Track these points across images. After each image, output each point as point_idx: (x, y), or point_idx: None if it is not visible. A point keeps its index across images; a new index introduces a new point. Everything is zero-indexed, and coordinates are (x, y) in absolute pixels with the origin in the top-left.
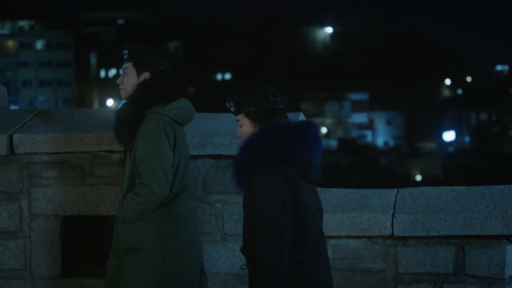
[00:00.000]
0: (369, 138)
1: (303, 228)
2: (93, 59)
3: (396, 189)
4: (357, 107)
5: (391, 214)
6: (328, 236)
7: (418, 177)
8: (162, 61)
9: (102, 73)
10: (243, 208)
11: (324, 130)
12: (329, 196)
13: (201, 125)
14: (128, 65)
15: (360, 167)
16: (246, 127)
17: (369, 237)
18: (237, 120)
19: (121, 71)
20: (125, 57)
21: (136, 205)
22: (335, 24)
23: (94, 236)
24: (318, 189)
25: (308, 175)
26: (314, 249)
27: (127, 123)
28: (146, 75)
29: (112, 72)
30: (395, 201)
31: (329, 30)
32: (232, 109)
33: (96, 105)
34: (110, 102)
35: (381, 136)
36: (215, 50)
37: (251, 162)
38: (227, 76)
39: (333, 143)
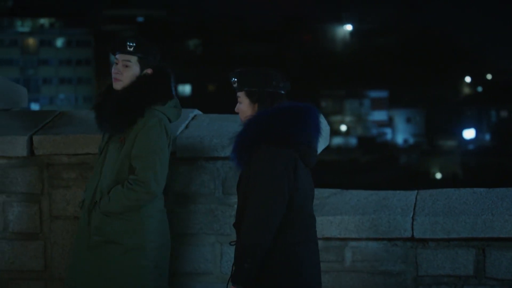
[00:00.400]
0: (388, 136)
1: (297, 210)
2: (112, 57)
3: (416, 191)
4: (377, 104)
5: (411, 216)
6: (348, 238)
7: (438, 175)
8: (161, 59)
9: None
10: (237, 188)
11: (343, 127)
12: (348, 198)
13: (220, 127)
14: (132, 59)
15: (379, 165)
16: (244, 105)
17: (389, 239)
18: (238, 97)
19: (113, 59)
20: (131, 49)
21: (129, 200)
22: (355, 21)
23: None
24: (337, 191)
25: (307, 159)
26: (305, 232)
27: (127, 114)
28: (148, 71)
29: None
30: (415, 203)
31: (348, 27)
32: (235, 85)
33: None
34: None
35: (401, 133)
36: (235, 47)
37: (254, 140)
38: None
39: (353, 141)
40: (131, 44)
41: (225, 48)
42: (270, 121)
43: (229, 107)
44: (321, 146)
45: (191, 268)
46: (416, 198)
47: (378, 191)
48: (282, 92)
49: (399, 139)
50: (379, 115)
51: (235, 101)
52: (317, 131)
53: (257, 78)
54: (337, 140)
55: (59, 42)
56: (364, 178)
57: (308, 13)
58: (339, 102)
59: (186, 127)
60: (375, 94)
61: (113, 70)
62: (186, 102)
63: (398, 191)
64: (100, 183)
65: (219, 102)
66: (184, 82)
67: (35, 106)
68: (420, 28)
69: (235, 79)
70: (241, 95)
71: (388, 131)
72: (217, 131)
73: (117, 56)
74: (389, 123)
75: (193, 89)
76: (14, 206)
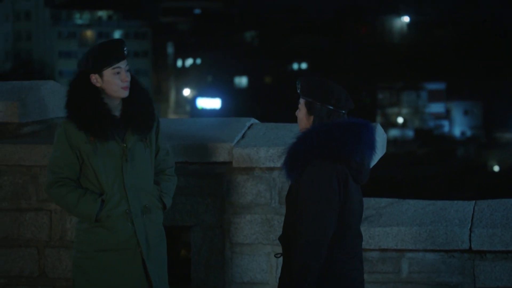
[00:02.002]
0: (446, 128)
1: (345, 228)
2: (170, 49)
3: (473, 201)
4: (434, 96)
5: (468, 227)
6: (404, 249)
7: (496, 168)
8: None
9: (179, 63)
10: (286, 198)
11: (400, 120)
12: (405, 208)
13: (277, 136)
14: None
15: (436, 157)
16: (301, 114)
17: (446, 251)
18: (299, 102)
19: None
20: (126, 54)
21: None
22: (412, 13)
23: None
24: (394, 200)
25: (359, 176)
26: (351, 250)
27: (154, 117)
28: None
29: (189, 61)
30: (472, 214)
31: (406, 19)
32: (298, 90)
33: (173, 94)
34: (186, 92)
35: (458, 126)
36: (292, 39)
37: (307, 154)
38: (303, 66)
39: (410, 133)
40: (125, 48)
41: (281, 40)
42: (324, 137)
43: (284, 99)
44: (377, 156)
45: (247, 278)
46: (473, 209)
47: (435, 201)
48: (343, 111)
49: (457, 131)
50: (437, 107)
51: (290, 93)
52: (371, 148)
53: (320, 91)
54: (394, 132)
55: (117, 34)
56: (421, 170)
57: (365, 5)
58: (396, 94)
59: (243, 136)
60: (432, 86)
61: (118, 78)
62: (242, 94)
63: (455, 201)
64: (139, 186)
65: (276, 93)
66: (240, 74)
67: None
68: (478, 19)
69: (299, 85)
70: (301, 103)
71: (445, 123)
72: (273, 141)
73: (119, 64)
74: (447, 115)
75: (249, 81)
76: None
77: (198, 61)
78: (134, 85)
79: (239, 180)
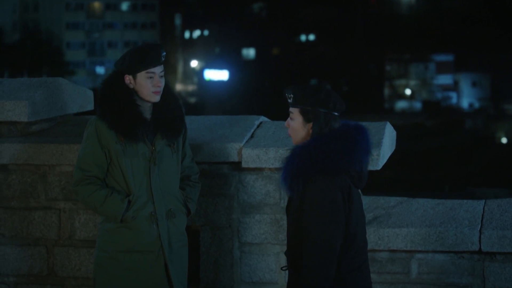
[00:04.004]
0: (454, 100)
1: (351, 239)
2: (177, 20)
3: (483, 200)
4: (442, 68)
5: (478, 229)
6: (414, 250)
7: (504, 140)
8: None
9: (187, 34)
10: (286, 210)
11: (408, 91)
12: (415, 208)
13: (286, 136)
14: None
15: (444, 129)
16: (296, 123)
17: (455, 252)
18: (290, 112)
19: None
20: (163, 59)
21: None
22: None
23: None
24: (403, 199)
25: (359, 182)
26: (358, 259)
27: (184, 123)
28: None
29: (197, 33)
30: (482, 214)
31: None
32: (290, 100)
33: (180, 66)
34: (194, 63)
35: (466, 98)
36: (299, 11)
37: (307, 170)
38: (311, 37)
39: (417, 105)
40: (164, 54)
41: (289, 11)
42: (322, 151)
43: (293, 70)
44: (387, 152)
45: (256, 277)
46: (483, 209)
47: (445, 200)
48: (336, 114)
49: (465, 103)
50: (444, 79)
51: (298, 63)
52: (367, 153)
53: (315, 97)
54: (402, 104)
55: (124, 6)
56: (429, 142)
57: None
58: (403, 66)
59: (252, 136)
60: (440, 57)
61: (151, 83)
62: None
63: (465, 201)
64: (165, 190)
65: (283, 65)
66: (248, 45)
67: (100, 69)
68: None
69: (291, 94)
70: (295, 112)
71: (453, 95)
72: (282, 141)
73: (154, 69)
74: (455, 87)
75: (257, 53)
76: (80, 213)
77: (206, 32)
78: (166, 91)
79: (248, 180)
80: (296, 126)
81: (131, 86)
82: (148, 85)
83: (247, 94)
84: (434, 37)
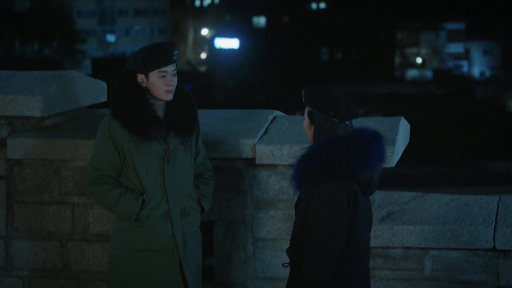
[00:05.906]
0: (465, 69)
1: (354, 244)
2: None
3: (498, 196)
4: (453, 37)
5: (492, 227)
6: (428, 248)
7: None
8: None
9: (197, 2)
10: (295, 207)
11: (419, 60)
12: (429, 203)
13: (300, 131)
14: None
15: (455, 97)
16: (305, 123)
17: (470, 249)
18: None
19: (172, 69)
20: (175, 58)
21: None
22: None
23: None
24: (417, 194)
25: (368, 190)
26: (359, 264)
27: (196, 121)
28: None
29: (207, 1)
30: (497, 211)
31: None
32: (303, 99)
33: (191, 34)
34: (204, 32)
35: (477, 66)
36: None
37: (317, 171)
38: (322, 5)
39: (428, 74)
40: (176, 52)
41: None
42: (334, 154)
43: (303, 39)
44: (401, 148)
45: (270, 273)
46: (497, 205)
47: (459, 195)
48: (347, 122)
49: (476, 71)
50: (455, 48)
51: (309, 31)
52: (381, 160)
53: (319, 101)
54: (412, 73)
55: None
56: (439, 111)
57: None
58: (414, 34)
59: (265, 132)
60: (451, 26)
61: (163, 82)
62: (261, 34)
63: (479, 196)
64: (179, 188)
65: (293, 33)
66: (259, 14)
67: (110, 38)
68: None
69: (303, 93)
70: (305, 111)
71: (464, 63)
72: (296, 137)
73: (166, 68)
74: (466, 55)
75: (268, 21)
76: (94, 208)
77: (216, 0)
78: (179, 89)
79: (262, 176)
80: (305, 125)
81: (144, 85)
82: (160, 84)
83: (256, 62)
84: (445, 5)
